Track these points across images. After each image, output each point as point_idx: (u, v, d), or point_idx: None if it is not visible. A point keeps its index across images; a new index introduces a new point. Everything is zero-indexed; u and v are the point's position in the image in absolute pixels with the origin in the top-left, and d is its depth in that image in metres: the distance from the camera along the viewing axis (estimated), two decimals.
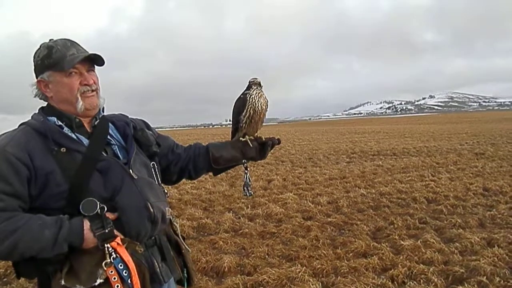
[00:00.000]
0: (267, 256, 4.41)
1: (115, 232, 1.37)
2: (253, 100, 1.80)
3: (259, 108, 1.81)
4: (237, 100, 1.86)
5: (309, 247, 4.65)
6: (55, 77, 1.43)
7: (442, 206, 6.23)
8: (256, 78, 1.86)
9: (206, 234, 5.37)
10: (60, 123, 1.45)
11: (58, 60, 1.41)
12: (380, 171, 10.27)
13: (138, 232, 1.43)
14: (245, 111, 1.80)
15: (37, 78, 1.45)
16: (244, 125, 1.83)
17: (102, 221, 1.34)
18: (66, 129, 1.44)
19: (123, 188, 1.42)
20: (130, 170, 1.47)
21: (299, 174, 10.21)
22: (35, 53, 1.46)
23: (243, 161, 1.85)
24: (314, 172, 10.36)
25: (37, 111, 1.50)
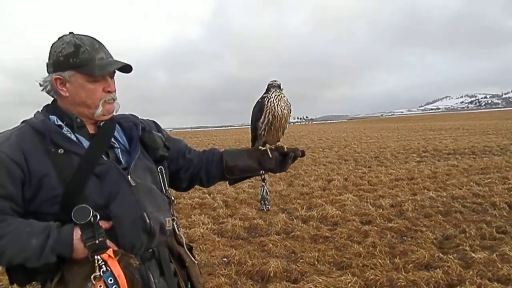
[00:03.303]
0: (316, 262, 4.14)
1: (108, 243, 1.26)
2: (272, 105, 1.60)
3: (279, 113, 1.61)
4: (254, 105, 1.68)
5: (364, 254, 4.29)
6: (78, 79, 1.35)
7: None
8: (275, 80, 1.67)
9: (257, 235, 5.24)
10: (60, 122, 1.37)
11: (85, 62, 1.33)
12: (455, 171, 9.32)
13: (133, 244, 1.32)
14: (263, 117, 1.62)
15: (53, 73, 1.36)
16: (263, 132, 1.64)
17: (94, 230, 1.24)
18: (65, 129, 1.37)
19: (119, 196, 1.31)
20: (129, 176, 1.35)
21: (362, 174, 9.66)
22: (56, 46, 1.36)
23: (261, 172, 1.67)
24: (379, 172, 9.72)
25: (41, 109, 1.45)
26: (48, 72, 1.38)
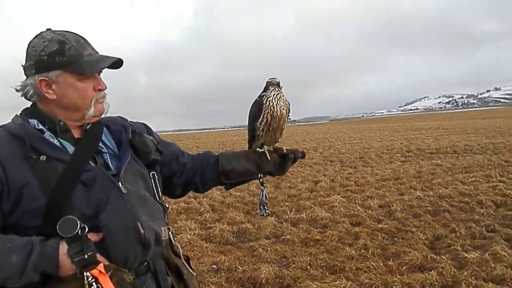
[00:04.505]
0: (309, 267, 4.04)
1: (98, 257, 1.12)
2: (271, 104, 1.50)
3: (278, 112, 1.51)
4: (252, 105, 1.58)
5: (356, 257, 4.21)
6: (66, 78, 1.22)
7: None
8: (274, 78, 1.57)
9: (246, 240, 5.11)
10: (41, 126, 1.23)
11: (73, 60, 1.20)
12: (439, 171, 9.41)
13: (126, 257, 1.18)
14: (261, 116, 1.52)
15: (36, 75, 1.21)
16: (261, 133, 1.54)
17: (82, 244, 1.10)
18: (47, 134, 1.23)
19: (109, 204, 1.18)
20: (119, 183, 1.22)
21: (349, 174, 9.65)
22: (36, 45, 1.22)
23: (259, 175, 1.56)
24: (365, 173, 9.73)
25: (19, 113, 1.30)
26: (27, 75, 1.24)
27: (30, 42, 1.24)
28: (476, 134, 20.58)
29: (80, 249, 1.08)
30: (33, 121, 1.23)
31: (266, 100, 1.52)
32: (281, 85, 1.58)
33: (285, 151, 1.56)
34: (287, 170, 1.60)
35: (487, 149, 13.19)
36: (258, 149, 1.58)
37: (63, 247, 1.08)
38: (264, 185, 1.65)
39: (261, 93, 1.57)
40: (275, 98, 1.52)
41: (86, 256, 1.08)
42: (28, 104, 1.30)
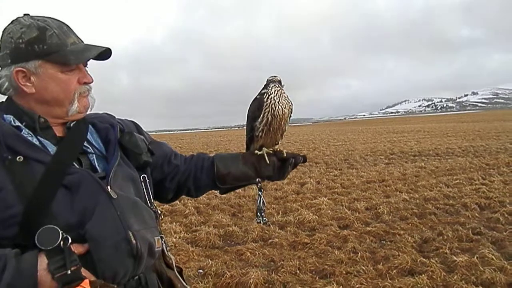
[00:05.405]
0: (298, 271, 3.95)
1: (83, 272, 0.99)
2: (272, 102, 1.41)
3: (280, 112, 1.41)
4: (251, 103, 1.47)
5: (345, 261, 4.15)
6: (47, 69, 1.09)
7: (498, 214, 5.52)
8: (275, 76, 1.47)
9: (233, 243, 5.00)
10: (17, 123, 1.10)
11: (55, 49, 1.08)
12: (423, 173, 9.50)
13: (115, 272, 1.05)
14: (261, 116, 1.42)
15: (12, 65, 1.08)
16: (260, 133, 1.44)
17: (65, 257, 0.97)
18: (25, 132, 1.09)
19: (96, 211, 1.05)
20: (108, 187, 1.09)
21: (334, 176, 9.65)
22: (13, 31, 1.08)
23: (257, 180, 1.46)
24: (350, 175, 9.75)
25: None
26: (1, 65, 1.11)
27: (5, 29, 1.11)
28: (456, 137, 21.01)
29: (62, 263, 0.96)
30: (9, 117, 1.10)
31: (267, 98, 1.43)
32: (282, 84, 1.49)
33: (285, 154, 1.47)
34: (287, 175, 1.51)
35: (468, 152, 13.44)
36: (256, 151, 1.48)
37: (42, 262, 0.96)
38: (262, 190, 1.55)
39: (262, 90, 1.47)
40: (276, 96, 1.43)
41: (69, 272, 0.96)
42: (3, 98, 1.17)
